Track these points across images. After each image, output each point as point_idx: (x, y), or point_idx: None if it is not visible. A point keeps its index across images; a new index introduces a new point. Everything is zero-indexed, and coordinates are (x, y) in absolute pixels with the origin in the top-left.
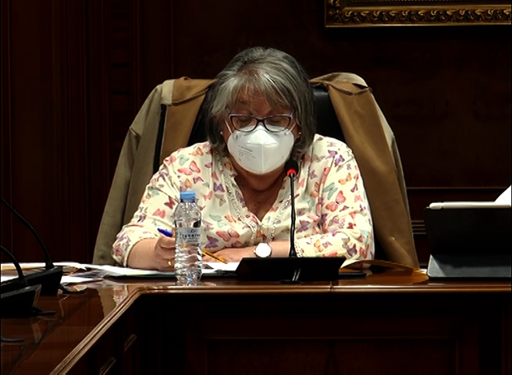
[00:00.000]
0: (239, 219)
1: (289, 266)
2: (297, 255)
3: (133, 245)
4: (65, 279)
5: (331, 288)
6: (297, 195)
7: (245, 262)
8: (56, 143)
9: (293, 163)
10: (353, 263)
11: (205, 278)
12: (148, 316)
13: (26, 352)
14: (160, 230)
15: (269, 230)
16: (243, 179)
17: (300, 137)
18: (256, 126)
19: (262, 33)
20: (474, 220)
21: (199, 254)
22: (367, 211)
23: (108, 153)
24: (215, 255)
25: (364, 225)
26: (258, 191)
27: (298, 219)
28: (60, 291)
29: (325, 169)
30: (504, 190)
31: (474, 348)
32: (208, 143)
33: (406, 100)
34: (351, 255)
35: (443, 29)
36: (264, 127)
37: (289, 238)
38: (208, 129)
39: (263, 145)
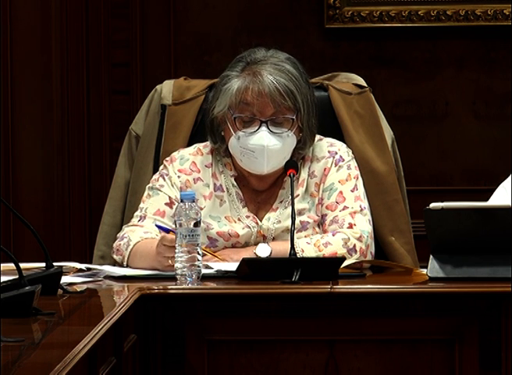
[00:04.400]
0: (239, 220)
1: (289, 266)
2: (297, 255)
3: (134, 245)
4: (65, 279)
5: (331, 288)
6: (297, 195)
7: (245, 262)
8: (56, 143)
9: (293, 163)
10: (353, 263)
11: (205, 278)
12: (148, 316)
13: (26, 352)
14: (158, 226)
15: (269, 231)
16: (243, 179)
17: (301, 138)
18: (259, 127)
19: (262, 34)
20: (474, 220)
21: (199, 254)
22: (367, 211)
23: (108, 153)
24: (215, 254)
25: (364, 225)
26: (258, 192)
27: (298, 219)
28: (60, 291)
29: (325, 169)
30: None
31: (474, 348)
32: (208, 143)
33: (406, 100)
34: (351, 255)
35: (443, 29)
36: (268, 129)
37: (289, 238)
38: (208, 129)
39: (266, 146)
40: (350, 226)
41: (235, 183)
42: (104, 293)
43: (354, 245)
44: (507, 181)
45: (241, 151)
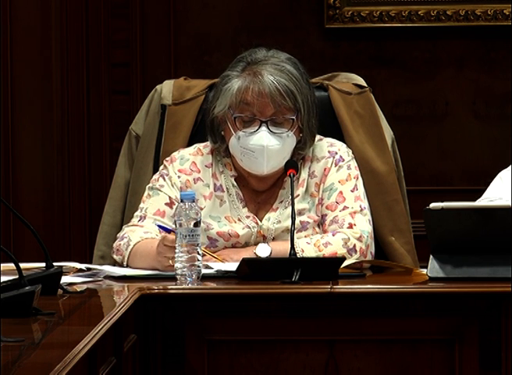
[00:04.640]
0: (239, 220)
1: (289, 266)
2: (297, 255)
3: (134, 245)
4: (65, 279)
5: (331, 288)
6: (298, 195)
7: (245, 262)
8: (56, 143)
9: (293, 163)
10: (353, 263)
11: (205, 278)
12: (148, 316)
13: (26, 352)
14: (159, 226)
15: (269, 231)
16: (243, 179)
17: (301, 138)
18: (259, 127)
19: (262, 34)
20: (474, 220)
21: (199, 254)
22: (367, 211)
23: (108, 153)
24: (214, 254)
25: (364, 225)
26: (258, 192)
27: (298, 219)
28: (60, 291)
29: (325, 169)
30: None
31: (474, 348)
32: (208, 143)
33: (406, 100)
34: (351, 255)
35: (443, 29)
36: (268, 129)
37: (289, 238)
38: (208, 129)
39: (266, 146)
40: (350, 226)
41: (235, 184)
42: (104, 293)
43: (354, 245)
44: (507, 170)
45: (241, 151)
